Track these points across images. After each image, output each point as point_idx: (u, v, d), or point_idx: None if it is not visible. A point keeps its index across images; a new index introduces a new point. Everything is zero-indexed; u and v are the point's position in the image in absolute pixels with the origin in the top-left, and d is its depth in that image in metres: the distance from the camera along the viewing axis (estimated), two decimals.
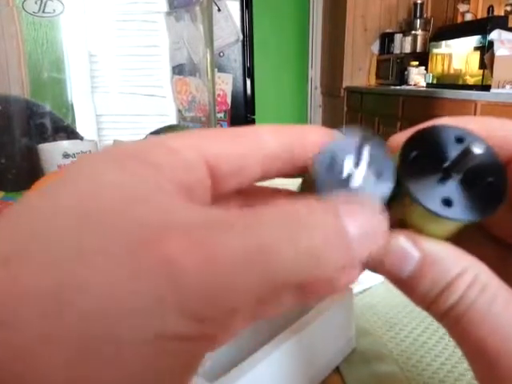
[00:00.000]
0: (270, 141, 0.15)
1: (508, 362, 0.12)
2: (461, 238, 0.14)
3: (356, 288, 0.39)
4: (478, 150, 0.13)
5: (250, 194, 0.17)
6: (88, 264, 0.10)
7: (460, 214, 0.13)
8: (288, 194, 0.18)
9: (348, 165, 0.14)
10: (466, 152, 0.13)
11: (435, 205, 0.13)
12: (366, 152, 0.14)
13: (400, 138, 0.15)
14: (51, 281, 0.10)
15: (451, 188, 0.13)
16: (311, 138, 0.15)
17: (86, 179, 0.12)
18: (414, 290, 0.14)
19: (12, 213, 0.11)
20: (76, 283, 0.10)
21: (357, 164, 0.14)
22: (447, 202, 0.13)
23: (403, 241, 0.14)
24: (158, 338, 0.10)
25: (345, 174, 0.14)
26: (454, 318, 0.13)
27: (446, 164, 0.13)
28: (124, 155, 0.12)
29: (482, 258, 0.14)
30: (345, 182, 0.14)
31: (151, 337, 0.10)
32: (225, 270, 0.11)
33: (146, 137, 0.54)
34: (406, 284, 0.14)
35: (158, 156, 0.13)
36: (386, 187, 0.14)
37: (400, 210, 0.14)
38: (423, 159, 0.14)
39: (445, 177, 0.13)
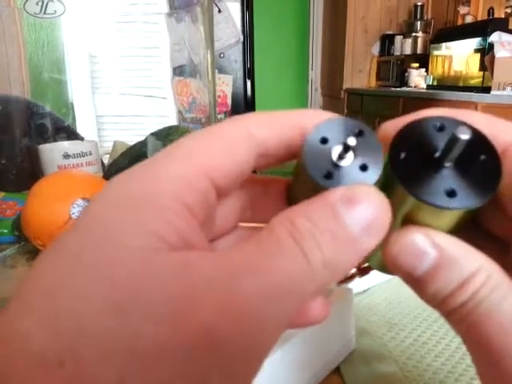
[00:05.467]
0: (263, 136, 0.15)
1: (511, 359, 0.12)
2: (458, 236, 0.14)
3: (356, 288, 0.39)
4: (464, 135, 0.12)
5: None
6: (138, 356, 0.10)
7: (466, 201, 0.13)
8: (282, 184, 0.18)
9: (337, 150, 0.14)
10: (454, 139, 0.13)
11: (441, 199, 0.13)
12: (354, 139, 0.13)
13: (390, 126, 0.15)
14: (110, 376, 0.10)
15: (449, 178, 0.13)
16: (310, 124, 0.14)
17: (100, 250, 0.11)
18: (426, 287, 0.13)
19: (44, 300, 0.11)
20: (132, 379, 0.10)
21: (345, 150, 0.14)
22: (451, 193, 0.13)
23: (420, 238, 0.13)
24: None
25: (334, 158, 0.14)
26: (462, 315, 0.13)
27: (437, 155, 0.13)
28: (129, 206, 0.12)
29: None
30: (334, 166, 0.14)
31: None
32: (257, 320, 0.11)
33: (146, 138, 0.54)
34: (417, 281, 0.14)
35: (175, 195, 0.13)
36: (372, 177, 0.14)
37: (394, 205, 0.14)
38: (413, 157, 0.14)
39: (438, 168, 0.13)
